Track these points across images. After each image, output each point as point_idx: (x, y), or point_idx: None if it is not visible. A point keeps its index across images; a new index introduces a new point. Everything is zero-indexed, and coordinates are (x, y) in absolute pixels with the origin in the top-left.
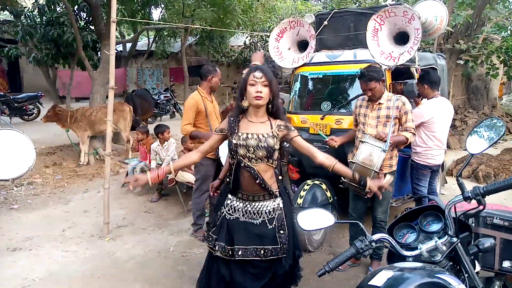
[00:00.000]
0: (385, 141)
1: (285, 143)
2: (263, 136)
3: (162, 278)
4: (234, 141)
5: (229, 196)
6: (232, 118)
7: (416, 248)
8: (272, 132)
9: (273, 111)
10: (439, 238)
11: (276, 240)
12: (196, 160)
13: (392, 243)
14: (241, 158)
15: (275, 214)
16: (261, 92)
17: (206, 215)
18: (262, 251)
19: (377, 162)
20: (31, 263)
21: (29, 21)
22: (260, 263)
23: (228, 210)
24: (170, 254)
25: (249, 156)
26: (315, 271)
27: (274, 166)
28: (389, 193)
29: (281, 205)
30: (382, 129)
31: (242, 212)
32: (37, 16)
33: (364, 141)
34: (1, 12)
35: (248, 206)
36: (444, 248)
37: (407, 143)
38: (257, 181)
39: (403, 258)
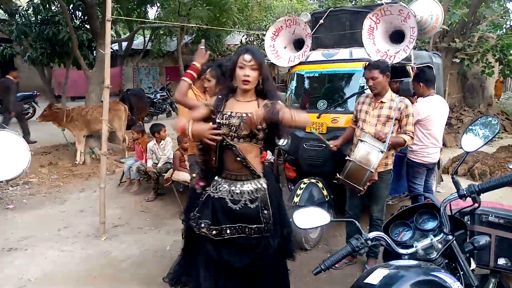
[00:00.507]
0: (384, 142)
1: (281, 142)
2: (247, 115)
3: (158, 278)
4: (217, 120)
5: (215, 178)
6: (220, 96)
7: (411, 246)
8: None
9: (263, 92)
10: (435, 236)
11: (260, 220)
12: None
13: (387, 241)
14: (224, 136)
15: (258, 194)
16: (249, 76)
17: None
18: (246, 229)
19: (374, 163)
20: (26, 263)
21: (23, 20)
22: (246, 240)
23: (214, 189)
24: (166, 254)
25: (231, 134)
26: (311, 269)
27: (260, 146)
28: (385, 191)
29: (265, 186)
30: (381, 128)
31: (226, 192)
32: (32, 15)
33: (363, 140)
34: None
35: (232, 186)
36: (440, 246)
37: (404, 146)
38: (239, 159)
39: (399, 256)
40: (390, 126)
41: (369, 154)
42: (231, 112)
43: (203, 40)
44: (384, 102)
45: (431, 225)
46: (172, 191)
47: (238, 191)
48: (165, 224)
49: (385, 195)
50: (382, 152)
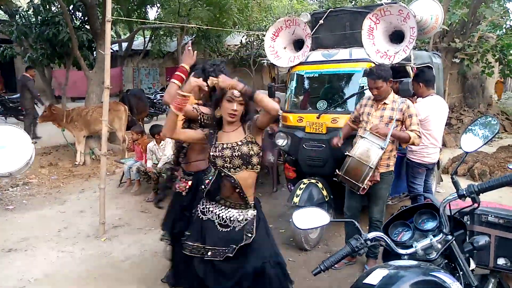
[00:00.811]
0: (385, 139)
1: (280, 143)
2: (237, 144)
3: (158, 278)
4: (211, 153)
5: (205, 197)
6: (211, 131)
7: (411, 246)
8: (246, 138)
9: (244, 119)
10: (434, 236)
11: (243, 238)
12: (179, 135)
13: (387, 241)
14: (221, 168)
15: (246, 222)
16: (236, 110)
17: None
18: (227, 250)
19: (373, 159)
20: (26, 264)
21: (24, 21)
22: (228, 262)
23: (201, 209)
24: (166, 255)
25: (227, 166)
26: (311, 269)
27: (257, 170)
28: (385, 192)
29: (252, 217)
30: None
31: (216, 216)
32: (32, 15)
33: (364, 137)
34: None
35: (223, 211)
36: (439, 246)
37: (408, 142)
38: (237, 190)
39: (398, 256)
40: (392, 126)
41: (369, 150)
42: (222, 143)
43: (190, 41)
44: (387, 104)
45: (430, 225)
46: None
47: (227, 216)
48: None
49: (386, 196)
50: (382, 148)
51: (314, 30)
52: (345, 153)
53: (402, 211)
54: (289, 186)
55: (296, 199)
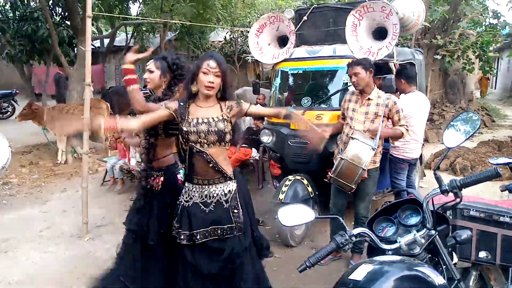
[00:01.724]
0: (374, 139)
1: (265, 140)
2: (213, 120)
3: None
4: (184, 128)
5: (186, 184)
6: (182, 103)
7: (395, 242)
8: (222, 115)
9: (223, 96)
10: (418, 231)
11: (230, 219)
12: (135, 128)
13: (371, 237)
14: (193, 144)
15: (228, 195)
16: (213, 82)
17: None
18: (219, 231)
19: (365, 160)
20: (7, 265)
21: (1, 16)
22: (219, 244)
23: (185, 197)
24: None
25: (200, 141)
26: (297, 265)
27: (227, 148)
28: (372, 188)
29: (234, 187)
30: (369, 125)
31: (198, 197)
32: (10, 11)
33: (354, 138)
34: None
35: (204, 190)
36: (423, 241)
37: (401, 137)
38: (211, 165)
39: (383, 252)
40: (379, 123)
41: (361, 151)
42: (197, 118)
43: (136, 46)
44: (372, 99)
45: (414, 220)
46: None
47: (209, 194)
48: None
49: (372, 193)
50: (373, 149)
51: (298, 26)
52: (335, 155)
53: (386, 206)
54: (274, 183)
55: (281, 196)
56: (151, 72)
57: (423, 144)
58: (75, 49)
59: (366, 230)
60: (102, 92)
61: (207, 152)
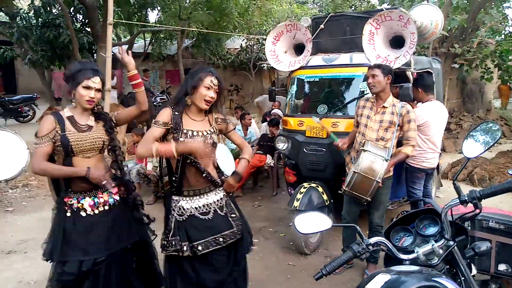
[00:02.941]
0: (387, 149)
1: (280, 147)
2: (208, 133)
3: None
4: (181, 139)
5: (174, 198)
6: (177, 113)
7: (412, 252)
8: (213, 128)
9: (209, 109)
10: (436, 241)
11: (230, 224)
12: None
13: (388, 246)
14: (188, 155)
15: (223, 202)
16: (213, 98)
17: None
18: (221, 239)
19: (379, 172)
20: (26, 266)
21: (24, 23)
22: (221, 252)
23: (178, 212)
24: None
25: None
26: (311, 273)
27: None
28: (386, 197)
29: (223, 193)
30: (383, 134)
31: (192, 209)
32: (33, 17)
33: (366, 150)
34: None
35: (197, 201)
36: (441, 251)
37: (408, 158)
38: (204, 175)
39: (400, 262)
40: (393, 132)
41: (374, 163)
42: (192, 131)
43: (125, 47)
44: (386, 107)
45: (432, 230)
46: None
47: (205, 204)
48: None
49: (386, 201)
50: (386, 160)
51: (315, 34)
52: (350, 168)
53: (403, 216)
54: (289, 190)
55: (296, 203)
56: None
57: (440, 154)
58: (95, 55)
59: (383, 239)
60: (120, 97)
61: (201, 163)
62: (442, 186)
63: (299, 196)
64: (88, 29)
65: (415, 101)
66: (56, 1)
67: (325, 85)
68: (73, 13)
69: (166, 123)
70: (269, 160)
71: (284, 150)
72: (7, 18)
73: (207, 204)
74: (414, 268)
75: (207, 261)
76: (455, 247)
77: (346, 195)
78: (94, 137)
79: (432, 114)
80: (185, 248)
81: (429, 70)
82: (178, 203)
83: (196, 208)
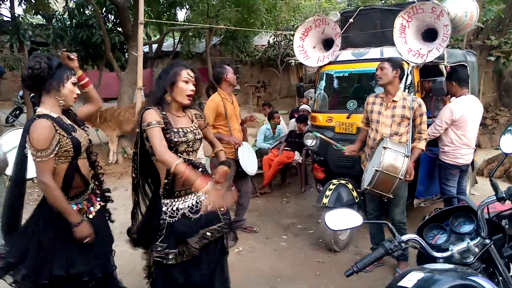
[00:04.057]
0: (405, 145)
1: (309, 143)
2: (195, 128)
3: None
4: (175, 139)
5: (165, 201)
6: (163, 113)
7: (447, 250)
8: (195, 123)
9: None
10: (471, 239)
11: (219, 217)
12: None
13: (422, 244)
14: (181, 154)
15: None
16: (193, 91)
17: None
18: (208, 233)
19: (401, 169)
20: None
21: (60, 24)
22: (210, 246)
23: (171, 214)
24: None
25: (188, 150)
26: (341, 271)
27: None
28: (404, 192)
29: None
30: (396, 128)
31: (184, 208)
32: (68, 19)
33: (386, 147)
34: (34, 16)
35: (188, 200)
36: (477, 250)
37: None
38: (200, 171)
39: (434, 260)
40: (406, 126)
41: (395, 160)
42: (181, 128)
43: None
44: (397, 101)
45: (467, 228)
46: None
47: (196, 202)
48: None
49: (405, 197)
50: (407, 156)
51: (344, 29)
52: (375, 168)
53: (437, 213)
54: (317, 187)
55: (325, 200)
56: None
57: (475, 150)
58: (126, 54)
59: (416, 236)
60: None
61: (192, 159)
62: (477, 183)
63: (328, 192)
64: (120, 29)
65: (449, 96)
66: (89, 2)
67: (354, 80)
68: (105, 14)
69: (160, 121)
70: (297, 156)
71: (312, 146)
72: (44, 20)
73: (200, 201)
74: (449, 266)
75: (198, 261)
76: (492, 246)
77: (367, 194)
78: (84, 136)
79: (467, 109)
80: (170, 256)
81: (463, 63)
82: (170, 205)
83: (188, 207)
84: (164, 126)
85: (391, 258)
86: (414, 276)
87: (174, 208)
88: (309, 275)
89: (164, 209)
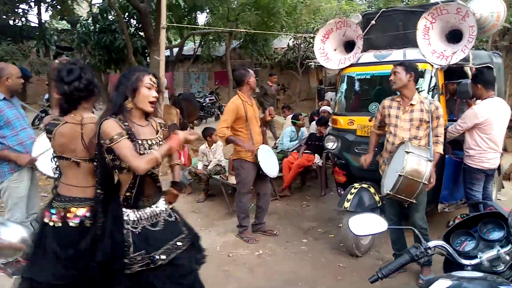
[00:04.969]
0: (427, 149)
1: (330, 146)
2: (160, 140)
3: (208, 278)
4: (140, 152)
5: (127, 211)
6: (125, 124)
7: (475, 257)
8: (160, 134)
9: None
10: (502, 247)
11: (181, 230)
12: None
13: (449, 250)
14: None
15: (168, 208)
16: (156, 97)
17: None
18: (179, 243)
19: (425, 174)
20: None
21: (84, 29)
22: (181, 256)
23: (132, 224)
24: (216, 254)
25: None
26: (363, 276)
27: None
28: (424, 197)
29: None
30: (415, 132)
31: (144, 220)
32: (91, 24)
33: (409, 152)
34: (60, 21)
35: (148, 211)
36: (508, 258)
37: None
38: (157, 184)
39: (461, 267)
40: (425, 130)
41: (419, 165)
42: (145, 140)
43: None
44: (414, 105)
45: (497, 235)
46: (222, 193)
47: (158, 212)
48: (215, 225)
49: (425, 202)
50: (430, 161)
51: (366, 31)
52: (398, 173)
53: (464, 219)
54: (338, 191)
55: (346, 204)
56: None
57: (501, 154)
58: (148, 58)
59: (443, 243)
60: (172, 98)
61: (155, 172)
62: (503, 188)
63: (349, 196)
64: (142, 34)
65: (474, 99)
66: (112, 7)
67: (376, 83)
68: (127, 19)
69: (122, 133)
70: (317, 159)
71: (333, 149)
72: (69, 25)
73: (157, 214)
74: (478, 274)
75: (174, 267)
76: None
77: (387, 199)
78: None
79: (493, 111)
80: (157, 257)
81: (489, 65)
82: (130, 216)
83: (147, 218)
84: (127, 136)
85: (413, 263)
86: (442, 284)
87: (134, 220)
88: (330, 279)
89: (126, 220)
